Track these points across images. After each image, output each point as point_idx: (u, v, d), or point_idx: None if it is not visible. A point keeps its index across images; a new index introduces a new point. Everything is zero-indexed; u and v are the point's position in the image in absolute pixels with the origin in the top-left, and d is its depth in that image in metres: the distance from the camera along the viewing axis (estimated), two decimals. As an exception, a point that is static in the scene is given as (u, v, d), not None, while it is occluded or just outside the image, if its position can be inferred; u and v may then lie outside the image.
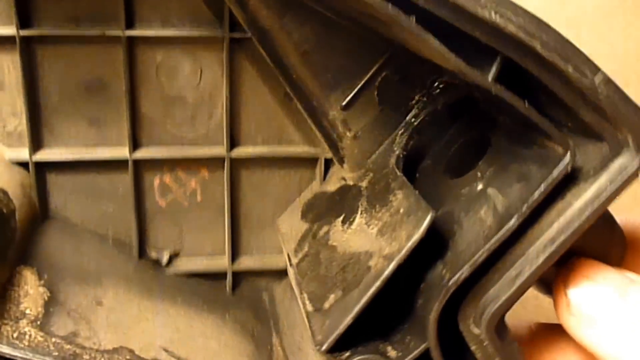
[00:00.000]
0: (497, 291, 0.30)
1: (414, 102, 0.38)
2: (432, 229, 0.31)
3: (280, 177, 0.43)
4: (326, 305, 0.32)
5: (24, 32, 0.37)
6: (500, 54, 0.29)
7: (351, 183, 0.39)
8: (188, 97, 0.41)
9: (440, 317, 0.30)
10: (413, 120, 0.38)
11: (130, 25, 0.39)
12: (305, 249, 0.38)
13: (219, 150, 0.41)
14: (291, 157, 0.42)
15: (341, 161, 0.40)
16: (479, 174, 0.33)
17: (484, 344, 0.30)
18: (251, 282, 0.46)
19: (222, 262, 0.44)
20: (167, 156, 0.41)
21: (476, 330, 0.30)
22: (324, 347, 0.30)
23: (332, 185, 0.41)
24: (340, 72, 0.37)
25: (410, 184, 0.34)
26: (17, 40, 0.37)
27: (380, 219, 0.33)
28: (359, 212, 0.36)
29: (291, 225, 0.42)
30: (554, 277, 0.32)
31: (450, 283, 0.29)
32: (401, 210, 0.32)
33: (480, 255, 0.29)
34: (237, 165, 0.42)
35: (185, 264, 0.44)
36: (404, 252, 0.30)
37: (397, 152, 0.37)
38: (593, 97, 0.27)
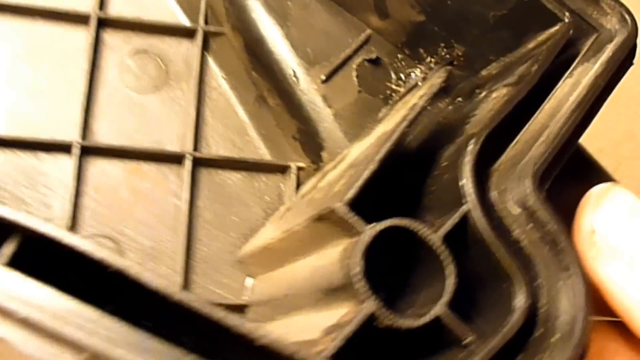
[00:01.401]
0: (536, 149, 0.26)
1: (392, 90, 0.38)
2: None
3: (243, 197, 0.38)
4: (340, 183, 0.26)
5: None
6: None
7: (332, 165, 0.35)
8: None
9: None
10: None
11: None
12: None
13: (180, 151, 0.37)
14: (258, 170, 0.38)
15: (320, 148, 0.36)
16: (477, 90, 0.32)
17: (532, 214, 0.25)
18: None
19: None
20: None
21: (516, 210, 0.26)
22: (347, 196, 0.24)
23: (307, 187, 0.37)
24: (318, 48, 0.37)
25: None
26: None
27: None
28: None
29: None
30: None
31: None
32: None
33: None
34: (199, 176, 0.37)
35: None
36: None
37: None
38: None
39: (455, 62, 0.36)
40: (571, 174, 0.30)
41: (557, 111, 0.27)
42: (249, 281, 0.37)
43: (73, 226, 0.35)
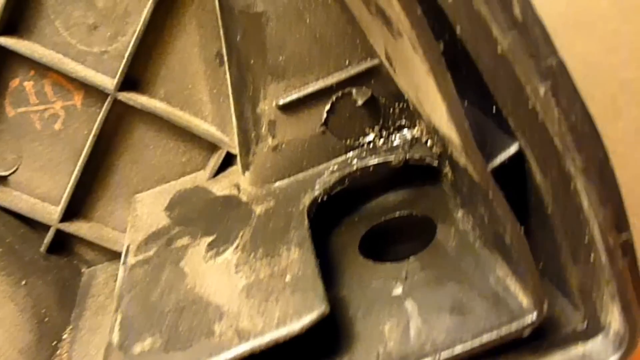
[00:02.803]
0: None
1: (366, 138, 0.30)
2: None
3: (167, 148, 0.33)
4: (136, 349, 0.23)
5: None
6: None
7: (244, 199, 0.30)
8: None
9: None
10: (355, 161, 0.29)
11: None
12: (151, 252, 0.28)
13: (107, 82, 0.31)
14: (189, 132, 0.32)
15: (246, 167, 0.30)
16: (404, 273, 0.25)
17: None
18: (75, 253, 0.36)
19: (50, 213, 0.34)
20: (40, 58, 0.31)
21: None
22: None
23: (220, 188, 0.32)
24: (296, 58, 0.28)
25: (316, 239, 0.25)
26: None
27: (256, 271, 0.24)
28: (235, 245, 0.26)
29: (151, 210, 0.32)
30: None
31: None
32: (288, 278, 0.23)
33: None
34: (120, 111, 0.32)
35: (6, 196, 0.34)
36: (264, 340, 0.21)
37: (316, 193, 0.28)
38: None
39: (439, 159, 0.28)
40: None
41: None
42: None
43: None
